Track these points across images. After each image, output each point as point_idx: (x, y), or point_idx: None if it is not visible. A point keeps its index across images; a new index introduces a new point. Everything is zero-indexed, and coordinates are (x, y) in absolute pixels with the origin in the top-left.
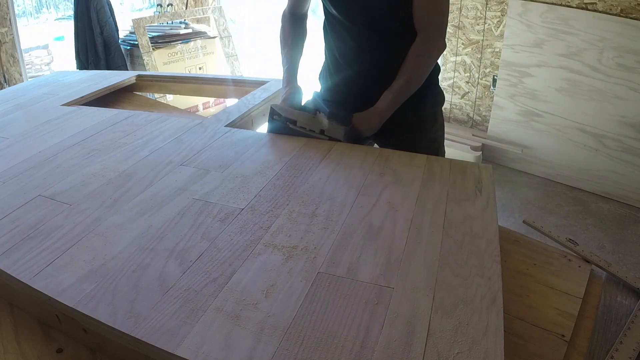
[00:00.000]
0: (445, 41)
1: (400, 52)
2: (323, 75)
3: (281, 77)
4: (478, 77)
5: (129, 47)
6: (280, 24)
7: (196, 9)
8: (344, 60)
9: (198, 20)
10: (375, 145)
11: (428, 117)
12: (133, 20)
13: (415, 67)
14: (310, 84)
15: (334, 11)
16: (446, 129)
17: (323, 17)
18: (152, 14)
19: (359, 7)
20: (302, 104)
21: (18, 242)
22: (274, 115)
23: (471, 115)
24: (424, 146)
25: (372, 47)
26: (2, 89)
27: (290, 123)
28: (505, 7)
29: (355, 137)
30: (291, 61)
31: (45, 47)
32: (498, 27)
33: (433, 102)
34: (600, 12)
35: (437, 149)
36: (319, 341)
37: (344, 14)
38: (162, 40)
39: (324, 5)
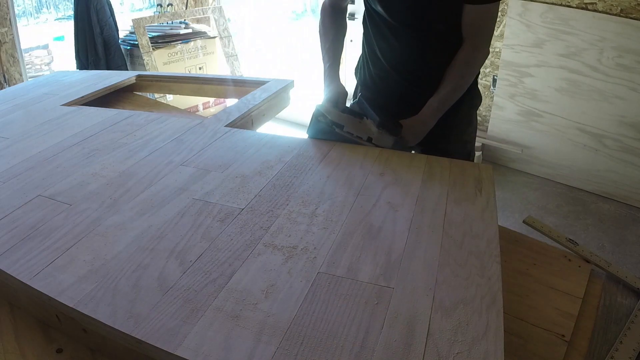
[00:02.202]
0: (489, 49)
1: (440, 55)
2: (360, 70)
3: (280, 77)
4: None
5: (129, 47)
6: (320, 18)
7: (196, 9)
8: (385, 58)
9: (198, 20)
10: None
11: (464, 118)
12: (133, 20)
13: (462, 74)
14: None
15: (379, 8)
16: None
17: (319, 18)
18: (152, 14)
19: (406, 7)
20: (346, 105)
21: (18, 242)
22: (319, 116)
23: None
24: (458, 148)
25: (414, 47)
26: (2, 89)
27: (337, 127)
28: (505, 7)
29: (402, 146)
30: (333, 58)
31: (45, 47)
32: (498, 27)
33: (471, 104)
34: (600, 12)
35: (469, 151)
36: (319, 341)
37: (390, 12)
38: (162, 40)
39: (367, 1)
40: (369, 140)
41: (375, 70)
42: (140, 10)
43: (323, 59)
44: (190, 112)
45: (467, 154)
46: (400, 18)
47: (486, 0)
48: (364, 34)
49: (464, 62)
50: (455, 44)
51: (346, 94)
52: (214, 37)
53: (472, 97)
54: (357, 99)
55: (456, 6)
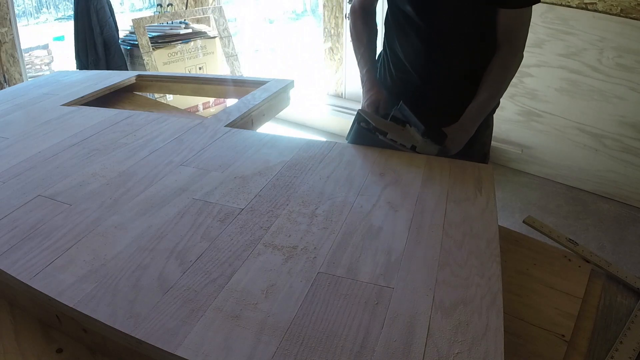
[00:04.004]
0: (524, 52)
1: (465, 59)
2: (379, 70)
3: (278, 78)
4: None
5: (129, 47)
6: (350, 21)
7: (196, 9)
8: (407, 60)
9: (198, 20)
10: None
11: (483, 121)
12: (133, 20)
13: (500, 79)
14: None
15: (408, 8)
16: None
17: (349, 21)
18: (152, 14)
19: (436, 8)
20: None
21: (18, 242)
22: (361, 122)
23: None
24: (476, 150)
25: (439, 51)
26: (2, 89)
27: (380, 134)
28: None
29: (445, 155)
30: (370, 62)
31: (45, 47)
32: None
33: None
34: (600, 12)
35: (486, 153)
36: (319, 341)
37: (420, 13)
38: (162, 40)
39: (393, 0)
40: (413, 148)
41: (396, 72)
42: (140, 10)
43: (359, 64)
44: (190, 112)
45: (484, 156)
46: (430, 20)
47: (521, 4)
48: (386, 34)
49: (501, 67)
50: (480, 50)
51: (387, 99)
52: (214, 37)
53: None
54: (398, 105)
55: (490, 10)
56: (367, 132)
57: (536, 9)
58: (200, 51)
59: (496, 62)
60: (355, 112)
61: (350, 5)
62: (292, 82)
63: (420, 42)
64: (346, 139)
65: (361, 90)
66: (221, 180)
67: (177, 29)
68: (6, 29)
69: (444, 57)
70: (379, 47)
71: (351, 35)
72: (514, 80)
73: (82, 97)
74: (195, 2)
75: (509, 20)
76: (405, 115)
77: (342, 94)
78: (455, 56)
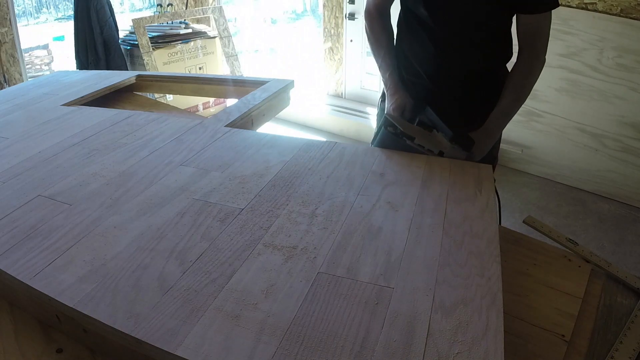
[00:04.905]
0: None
1: (477, 63)
2: None
3: (278, 78)
4: None
5: (129, 47)
6: (366, 25)
7: (196, 9)
8: (418, 63)
9: (198, 20)
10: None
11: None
12: (133, 20)
13: (523, 84)
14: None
15: (422, 11)
16: None
17: (364, 24)
18: (152, 14)
19: (451, 12)
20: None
21: (18, 242)
22: (388, 126)
23: None
24: (487, 154)
25: (451, 54)
26: (2, 89)
27: (408, 139)
28: None
29: (471, 160)
30: (392, 65)
31: (45, 47)
32: None
33: None
34: (600, 12)
35: (495, 156)
36: (319, 341)
37: (433, 15)
38: (162, 40)
39: (406, 2)
40: (441, 154)
41: (406, 75)
42: (140, 10)
43: (380, 68)
44: (190, 112)
45: (493, 158)
46: (444, 23)
47: (541, 9)
48: (397, 36)
49: (524, 71)
50: (493, 53)
51: (412, 103)
52: (214, 37)
53: None
54: (425, 109)
55: (505, 14)
56: (394, 136)
57: None
58: (200, 51)
59: (518, 66)
60: (355, 111)
61: (349, 5)
62: (292, 82)
63: (433, 45)
64: (371, 144)
65: (360, 90)
66: (221, 180)
67: (177, 29)
68: (6, 29)
69: (456, 61)
70: None
71: (369, 39)
72: None
73: (82, 97)
74: (195, 2)
75: (530, 25)
76: (432, 120)
77: (342, 94)
78: (467, 59)
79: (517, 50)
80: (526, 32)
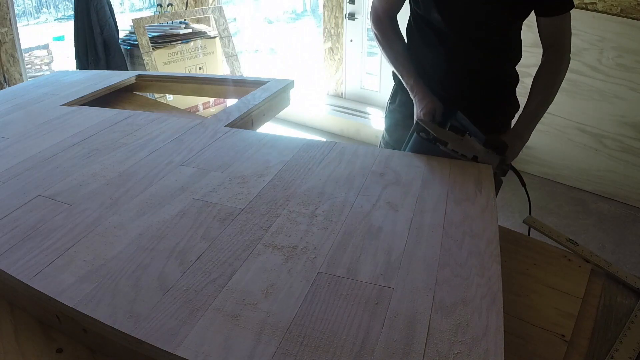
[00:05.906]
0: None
1: (489, 67)
2: (397, 78)
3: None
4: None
5: (129, 47)
6: (376, 32)
7: (196, 9)
8: (429, 66)
9: (198, 20)
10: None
11: (504, 127)
12: (133, 20)
13: (550, 84)
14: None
15: (435, 16)
16: None
17: (374, 31)
18: (152, 14)
19: (465, 16)
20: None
21: (18, 242)
22: (420, 132)
23: None
24: None
25: (463, 58)
26: (2, 89)
27: (441, 144)
28: None
29: (503, 164)
30: (414, 71)
31: (45, 47)
32: None
33: (510, 113)
34: (600, 12)
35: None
36: (319, 341)
37: (446, 20)
38: (162, 40)
39: (416, 5)
40: (474, 158)
41: None
42: (140, 10)
43: (402, 75)
44: (190, 112)
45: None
46: (458, 28)
47: (562, 10)
48: (407, 39)
49: (550, 72)
50: (505, 57)
51: (442, 107)
52: (214, 37)
53: (512, 105)
54: (455, 114)
55: (520, 18)
56: (427, 142)
57: None
58: (200, 51)
59: (544, 67)
60: (355, 111)
61: (349, 5)
62: (292, 82)
63: (444, 50)
64: (402, 149)
65: (360, 90)
66: (221, 180)
67: (177, 29)
68: (6, 29)
69: (468, 65)
70: None
71: (382, 46)
72: None
73: (82, 97)
74: (195, 2)
75: (551, 27)
76: (463, 125)
77: (342, 94)
78: (479, 64)
79: (531, 52)
80: (548, 34)
